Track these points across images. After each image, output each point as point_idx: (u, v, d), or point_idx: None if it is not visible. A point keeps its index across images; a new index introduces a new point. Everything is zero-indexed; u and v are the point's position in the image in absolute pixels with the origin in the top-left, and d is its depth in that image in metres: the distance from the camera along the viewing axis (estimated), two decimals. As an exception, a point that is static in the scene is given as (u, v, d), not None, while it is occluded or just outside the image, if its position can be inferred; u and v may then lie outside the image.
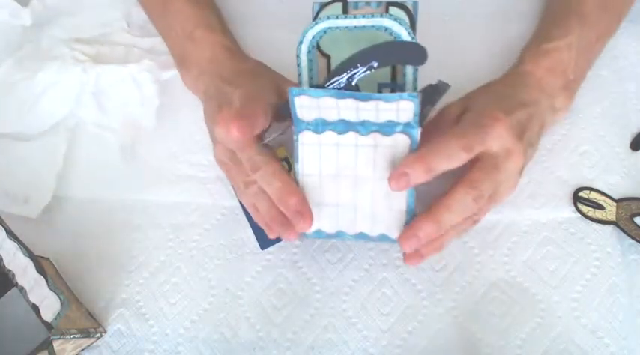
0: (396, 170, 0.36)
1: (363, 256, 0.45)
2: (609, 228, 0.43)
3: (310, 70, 0.41)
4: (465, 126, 0.39)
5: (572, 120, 0.47)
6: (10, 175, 0.50)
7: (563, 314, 0.41)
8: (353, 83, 0.37)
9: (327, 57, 0.41)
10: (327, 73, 0.41)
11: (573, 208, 0.44)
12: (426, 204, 0.38)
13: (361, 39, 0.39)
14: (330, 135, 0.38)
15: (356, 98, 0.36)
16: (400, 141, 0.38)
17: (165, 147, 0.51)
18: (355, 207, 0.39)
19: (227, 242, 0.46)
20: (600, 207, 0.44)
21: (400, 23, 0.38)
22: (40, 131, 0.52)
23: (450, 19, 0.53)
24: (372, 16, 0.38)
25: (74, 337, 0.39)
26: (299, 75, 0.41)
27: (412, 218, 0.38)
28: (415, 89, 0.40)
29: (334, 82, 0.37)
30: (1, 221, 0.40)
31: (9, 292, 0.36)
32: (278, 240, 0.45)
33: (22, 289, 0.37)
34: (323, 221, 0.40)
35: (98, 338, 0.44)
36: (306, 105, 0.37)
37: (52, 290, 0.38)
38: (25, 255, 0.39)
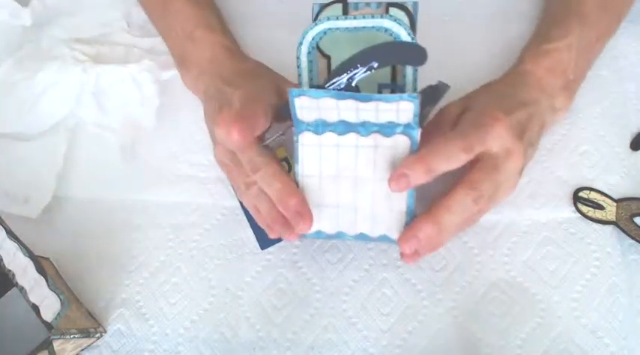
0: (396, 171, 0.36)
1: (363, 256, 0.45)
2: (609, 228, 0.43)
3: (310, 70, 0.41)
4: (464, 127, 0.39)
5: (572, 120, 0.47)
6: (10, 175, 0.50)
7: (563, 314, 0.41)
8: (353, 84, 0.37)
9: (328, 57, 0.41)
10: (328, 73, 0.41)
11: (573, 208, 0.44)
12: (425, 204, 0.38)
13: (361, 40, 0.39)
14: (330, 136, 0.38)
15: (356, 99, 0.36)
16: (400, 142, 0.38)
17: (165, 147, 0.51)
18: (355, 207, 0.39)
19: (227, 242, 0.46)
20: (600, 207, 0.44)
21: (400, 24, 0.38)
22: (40, 131, 0.52)
23: (449, 19, 0.53)
24: (372, 16, 0.38)
25: (74, 337, 0.39)
26: (299, 76, 0.41)
27: (412, 219, 0.38)
28: (415, 90, 0.40)
29: (334, 83, 0.37)
30: (1, 221, 0.40)
31: (9, 292, 0.36)
32: (278, 240, 0.45)
33: (22, 289, 0.37)
34: (323, 222, 0.40)
35: (98, 338, 0.44)
36: (306, 106, 0.37)
37: (52, 290, 0.38)
38: (25, 255, 0.39)
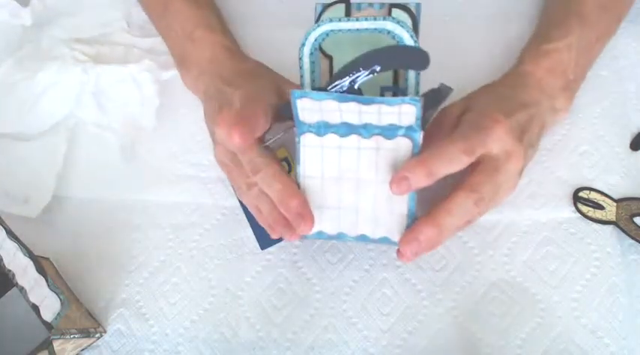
0: (397, 174, 0.36)
1: (363, 256, 0.45)
2: (609, 228, 0.43)
3: (313, 71, 0.41)
4: (465, 130, 0.38)
5: (572, 121, 0.47)
6: (10, 175, 0.50)
7: (563, 314, 0.41)
8: (355, 86, 0.37)
9: (330, 58, 0.41)
10: (330, 74, 0.41)
11: (573, 208, 0.44)
12: (425, 206, 0.38)
13: (364, 41, 0.39)
14: (332, 138, 0.38)
15: (358, 101, 0.36)
16: (402, 145, 0.37)
17: (165, 147, 0.51)
18: (357, 209, 0.39)
19: (227, 242, 0.46)
20: (600, 207, 0.44)
21: (402, 26, 0.37)
22: (40, 131, 0.52)
23: (450, 19, 0.53)
24: (375, 18, 0.38)
25: (74, 337, 0.39)
26: (301, 77, 0.41)
27: (413, 221, 0.38)
28: (417, 93, 0.40)
29: (336, 85, 0.37)
30: (1, 221, 0.40)
31: (9, 292, 0.36)
32: (278, 240, 0.45)
33: (22, 289, 0.37)
34: (324, 223, 0.40)
35: (98, 338, 0.44)
36: (309, 108, 0.37)
37: (52, 290, 0.38)
38: (25, 255, 0.39)
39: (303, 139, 0.39)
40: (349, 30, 0.39)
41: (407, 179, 0.36)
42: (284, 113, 0.39)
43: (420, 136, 0.37)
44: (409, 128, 0.37)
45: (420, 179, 0.36)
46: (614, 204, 0.44)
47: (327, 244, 0.45)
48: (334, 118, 0.38)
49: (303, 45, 0.40)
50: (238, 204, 0.47)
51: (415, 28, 0.41)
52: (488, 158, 0.38)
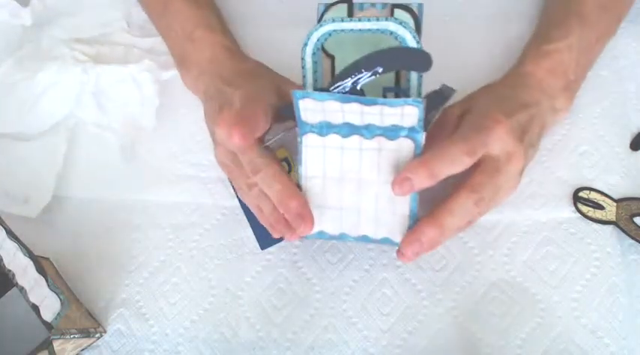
0: (399, 175, 0.36)
1: (363, 256, 0.45)
2: (609, 228, 0.43)
3: (315, 71, 0.41)
4: (466, 131, 0.38)
5: (572, 121, 0.47)
6: (10, 175, 0.50)
7: (563, 314, 0.41)
8: (358, 87, 0.37)
9: (332, 58, 0.41)
10: (331, 73, 0.41)
11: (573, 208, 0.44)
12: (426, 206, 0.38)
13: (366, 41, 0.39)
14: (334, 138, 0.38)
15: (361, 102, 0.36)
16: (404, 146, 0.37)
17: (165, 147, 0.51)
18: (359, 210, 0.39)
19: (227, 242, 0.46)
20: (600, 207, 0.44)
21: (405, 27, 0.37)
22: (40, 131, 0.52)
23: (450, 19, 0.53)
24: (377, 19, 0.38)
25: (74, 337, 0.39)
26: (303, 77, 0.41)
27: (415, 222, 0.38)
28: (420, 94, 0.40)
29: (339, 86, 0.37)
30: (1, 221, 0.40)
31: (9, 292, 0.36)
32: (278, 240, 0.45)
33: (22, 289, 0.37)
34: (326, 223, 0.40)
35: (98, 338, 0.44)
36: (311, 108, 0.37)
37: (52, 290, 0.38)
38: (25, 255, 0.39)
39: (305, 139, 0.39)
40: (352, 30, 0.39)
41: (409, 180, 0.36)
42: (286, 113, 0.39)
43: (422, 137, 0.37)
44: (411, 129, 0.37)
45: (423, 180, 0.36)
46: (614, 204, 0.44)
47: (327, 244, 0.45)
48: (336, 119, 0.38)
49: (306, 45, 0.40)
50: (238, 204, 0.47)
51: (418, 28, 0.41)
52: (489, 158, 0.38)
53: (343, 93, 0.37)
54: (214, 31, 0.49)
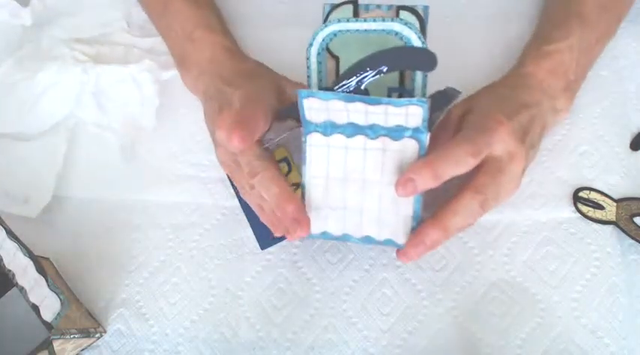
0: (403, 176, 0.36)
1: (363, 256, 0.45)
2: (609, 228, 0.43)
3: (320, 72, 0.41)
4: (469, 132, 0.38)
5: (572, 121, 0.47)
6: (10, 175, 0.50)
7: (563, 314, 0.41)
8: (362, 87, 0.37)
9: (336, 58, 0.41)
10: (336, 74, 0.41)
11: (573, 208, 0.44)
12: (428, 206, 0.38)
13: (371, 42, 0.39)
14: (338, 138, 0.38)
15: (365, 102, 0.36)
16: (409, 147, 0.37)
17: (165, 147, 0.51)
18: (362, 210, 0.39)
19: (227, 242, 0.46)
20: (600, 207, 0.44)
21: (410, 27, 0.37)
22: (40, 131, 0.52)
23: (451, 20, 0.53)
24: (383, 20, 0.38)
25: (74, 337, 0.39)
26: (308, 77, 0.41)
27: (418, 223, 0.38)
28: (424, 94, 0.40)
29: (343, 85, 0.37)
30: (1, 221, 0.40)
31: (9, 292, 0.36)
32: (278, 239, 0.45)
33: (22, 289, 0.37)
34: (329, 223, 0.40)
35: (98, 338, 0.44)
36: (315, 108, 0.37)
37: (52, 290, 0.38)
38: (25, 255, 0.39)
39: (309, 139, 0.39)
40: (357, 30, 0.38)
41: (413, 181, 0.35)
42: (290, 113, 0.39)
43: (426, 138, 0.37)
44: (416, 130, 0.37)
45: (426, 181, 0.35)
46: (614, 204, 0.44)
47: (327, 244, 0.45)
48: (341, 118, 0.37)
49: (311, 45, 0.40)
50: (238, 204, 0.47)
51: (423, 30, 0.41)
52: (492, 159, 0.38)
53: (347, 92, 0.36)
54: (214, 31, 0.49)
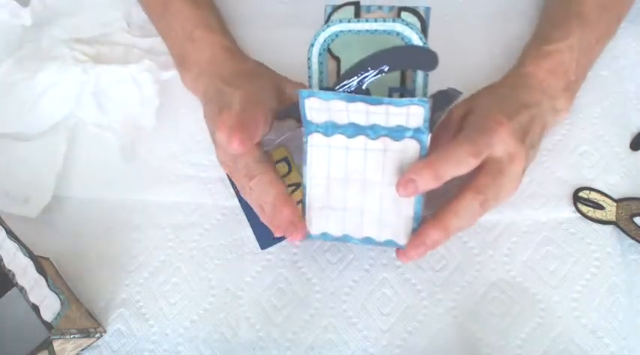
0: (404, 176, 0.36)
1: (363, 256, 0.45)
2: (609, 228, 0.43)
3: (321, 72, 0.41)
4: (470, 132, 0.38)
5: (572, 121, 0.47)
6: (10, 175, 0.50)
7: (563, 314, 0.41)
8: (363, 87, 0.37)
9: (337, 59, 0.41)
10: (337, 75, 0.41)
11: (573, 208, 0.44)
12: (428, 207, 0.38)
13: (372, 43, 0.39)
14: (339, 139, 0.38)
15: (366, 102, 0.36)
16: (410, 147, 0.37)
17: (165, 147, 0.51)
18: (362, 211, 0.39)
19: (227, 242, 0.46)
20: (600, 207, 0.44)
21: (412, 28, 0.37)
22: (40, 131, 0.52)
23: (450, 19, 0.53)
24: (384, 20, 0.38)
25: (74, 337, 0.39)
26: (309, 77, 0.41)
27: (419, 224, 0.38)
28: (425, 94, 0.40)
29: (344, 85, 0.37)
30: (1, 221, 0.40)
31: (9, 292, 0.36)
32: (278, 239, 0.45)
33: (22, 289, 0.37)
34: (330, 224, 0.40)
35: (98, 338, 0.44)
36: (316, 108, 0.37)
37: (52, 290, 0.38)
38: (25, 255, 0.39)
39: (310, 139, 0.39)
40: (359, 31, 0.38)
41: (414, 181, 0.35)
42: (291, 113, 0.39)
43: (427, 138, 0.37)
44: (417, 130, 0.37)
45: (427, 182, 0.35)
46: (614, 204, 0.44)
47: (327, 244, 0.45)
48: (342, 119, 0.37)
49: (312, 45, 0.40)
50: (238, 204, 0.47)
51: (424, 32, 0.41)
52: (492, 160, 0.38)
53: (348, 92, 0.36)
54: (214, 31, 0.49)
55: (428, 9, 0.41)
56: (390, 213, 0.39)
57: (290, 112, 0.39)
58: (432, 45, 0.38)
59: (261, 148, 0.41)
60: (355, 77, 0.36)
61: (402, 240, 0.39)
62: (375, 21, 0.38)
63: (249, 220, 0.46)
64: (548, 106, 0.43)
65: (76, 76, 0.51)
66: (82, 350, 0.43)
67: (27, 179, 0.50)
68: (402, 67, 0.38)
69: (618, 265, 0.42)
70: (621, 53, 0.50)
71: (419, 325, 0.42)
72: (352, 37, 0.39)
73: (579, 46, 0.44)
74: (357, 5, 0.42)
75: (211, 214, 0.48)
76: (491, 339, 0.41)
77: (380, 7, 0.42)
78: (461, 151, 0.36)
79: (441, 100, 0.38)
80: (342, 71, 0.41)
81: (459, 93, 0.40)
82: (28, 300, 0.36)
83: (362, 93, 0.37)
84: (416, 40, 0.38)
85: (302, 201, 0.40)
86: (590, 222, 0.44)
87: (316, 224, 0.40)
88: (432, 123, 0.37)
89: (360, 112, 0.37)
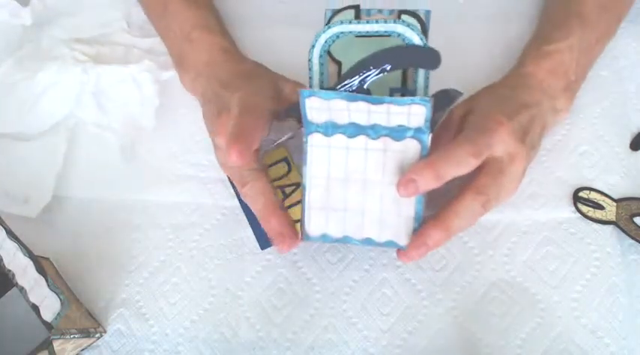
0: (405, 176, 0.36)
1: (363, 256, 0.45)
2: (609, 228, 0.43)
3: (322, 73, 0.41)
4: (470, 132, 0.38)
5: (572, 121, 0.47)
6: (10, 175, 0.50)
7: (563, 314, 0.41)
8: (365, 86, 0.37)
9: (338, 63, 0.41)
10: (338, 79, 0.41)
11: (573, 208, 0.44)
12: (429, 207, 0.38)
13: (373, 46, 0.39)
14: (339, 139, 0.38)
15: (367, 101, 0.36)
16: (410, 147, 0.37)
17: (165, 147, 0.51)
18: (363, 211, 0.39)
19: (227, 242, 0.46)
20: (600, 207, 0.44)
21: (413, 29, 0.37)
22: (40, 131, 0.52)
23: (450, 20, 0.53)
24: (385, 21, 0.38)
25: (74, 337, 0.39)
26: (310, 78, 0.41)
27: (420, 225, 0.38)
28: (426, 95, 0.40)
29: (346, 85, 0.37)
30: (1, 221, 0.40)
31: (9, 292, 0.36)
32: (278, 240, 0.45)
33: (22, 289, 0.37)
34: (330, 225, 0.40)
35: (98, 338, 0.44)
36: (317, 107, 0.37)
37: (52, 290, 0.38)
38: (25, 255, 0.39)
39: (310, 139, 0.39)
40: (359, 32, 0.38)
41: (414, 182, 0.35)
42: (291, 113, 0.39)
43: (428, 138, 0.37)
44: (418, 130, 0.37)
45: (428, 182, 0.35)
46: (614, 204, 0.44)
47: (327, 244, 0.45)
48: (342, 118, 0.37)
49: (313, 47, 0.40)
50: (238, 204, 0.47)
51: (424, 34, 0.41)
52: (493, 160, 0.38)
53: (350, 91, 0.36)
54: (212, 31, 0.49)
55: (428, 12, 0.41)
56: (391, 214, 0.39)
57: (290, 112, 0.39)
58: (433, 45, 0.38)
59: (257, 154, 0.41)
60: (357, 76, 0.36)
61: (402, 241, 0.39)
62: (376, 22, 0.38)
63: (249, 220, 0.46)
64: (548, 106, 0.43)
65: (76, 76, 0.51)
66: (82, 350, 0.43)
67: (27, 179, 0.50)
68: (404, 66, 0.38)
69: (618, 265, 0.42)
70: (621, 53, 0.50)
71: (419, 325, 0.42)
72: (353, 40, 0.39)
73: (579, 46, 0.44)
74: (357, 9, 0.42)
75: (211, 214, 0.48)
76: (491, 339, 0.41)
77: (380, 11, 0.42)
78: (461, 151, 0.36)
79: (442, 100, 0.38)
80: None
81: (460, 93, 0.40)
82: (28, 300, 0.36)
83: (363, 93, 0.37)
84: (417, 40, 0.38)
85: (302, 202, 0.40)
86: (590, 222, 0.44)
87: (316, 224, 0.40)
88: (433, 123, 0.37)
89: (361, 112, 0.36)
